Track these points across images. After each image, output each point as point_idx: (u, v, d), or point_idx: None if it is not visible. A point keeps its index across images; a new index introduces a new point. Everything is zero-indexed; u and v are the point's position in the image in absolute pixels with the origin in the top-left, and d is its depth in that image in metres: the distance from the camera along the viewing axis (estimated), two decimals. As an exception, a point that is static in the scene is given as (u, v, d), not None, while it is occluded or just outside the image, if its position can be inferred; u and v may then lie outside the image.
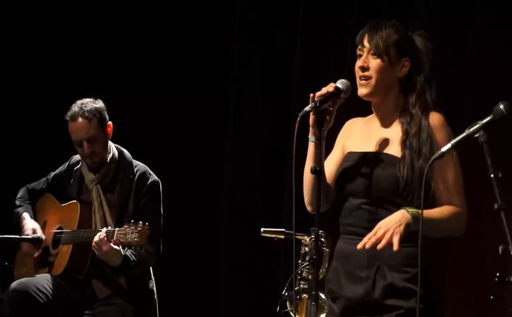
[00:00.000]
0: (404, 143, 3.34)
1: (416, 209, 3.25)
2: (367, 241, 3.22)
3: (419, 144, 3.32)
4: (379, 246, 3.19)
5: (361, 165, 3.39)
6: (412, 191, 3.29)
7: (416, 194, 3.29)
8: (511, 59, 5.12)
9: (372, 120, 3.49)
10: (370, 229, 3.30)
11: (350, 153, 3.46)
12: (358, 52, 3.43)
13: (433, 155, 3.23)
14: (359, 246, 3.23)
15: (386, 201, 3.32)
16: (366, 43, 3.39)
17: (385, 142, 3.40)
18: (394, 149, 3.37)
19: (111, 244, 4.50)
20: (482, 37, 5.22)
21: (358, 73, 3.40)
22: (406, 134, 3.35)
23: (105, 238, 4.51)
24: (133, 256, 4.62)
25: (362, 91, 3.40)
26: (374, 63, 3.38)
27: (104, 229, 4.56)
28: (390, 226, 3.20)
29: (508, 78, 5.06)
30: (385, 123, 3.44)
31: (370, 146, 3.43)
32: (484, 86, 5.14)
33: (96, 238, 4.53)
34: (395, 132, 3.40)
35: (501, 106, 3.05)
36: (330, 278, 3.45)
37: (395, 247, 3.17)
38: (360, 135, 3.49)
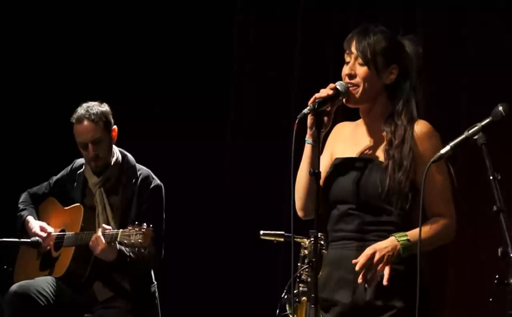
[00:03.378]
0: (387, 154, 3.33)
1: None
2: (363, 261, 3.23)
3: (401, 156, 3.31)
4: (368, 285, 3.23)
5: (348, 170, 3.38)
6: (391, 201, 3.30)
7: (395, 203, 3.29)
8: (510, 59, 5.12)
9: (360, 125, 3.47)
10: (359, 232, 3.33)
11: (337, 159, 3.45)
12: (346, 57, 3.40)
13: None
14: (357, 268, 3.24)
15: (373, 206, 3.32)
16: (353, 49, 3.36)
17: (371, 148, 3.39)
18: (380, 155, 3.36)
19: (106, 243, 4.52)
20: (482, 37, 5.22)
21: (345, 80, 3.37)
22: (389, 144, 3.34)
23: (101, 238, 4.52)
24: (130, 253, 4.63)
25: (351, 98, 3.37)
26: (361, 70, 3.35)
27: (100, 230, 4.57)
28: (384, 253, 3.23)
29: (508, 77, 5.06)
30: (372, 129, 3.42)
31: (357, 152, 3.42)
32: (484, 86, 5.14)
33: (93, 237, 4.55)
34: (381, 137, 3.39)
35: (500, 108, 3.05)
36: (321, 287, 3.38)
37: (385, 281, 3.21)
38: (348, 140, 3.48)
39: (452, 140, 3.12)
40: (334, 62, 3.47)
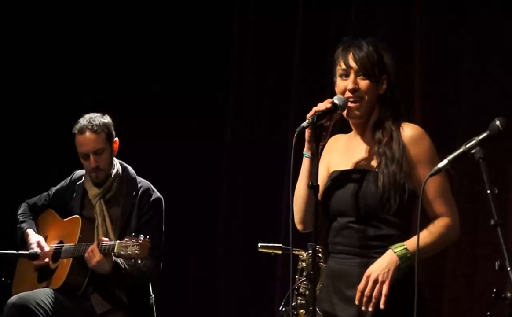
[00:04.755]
0: (378, 153, 3.36)
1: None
2: (358, 296, 3.24)
3: (392, 151, 3.33)
4: (371, 307, 3.22)
5: (345, 183, 3.39)
6: (389, 198, 3.30)
7: (392, 199, 3.30)
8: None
9: (353, 137, 3.49)
10: (359, 248, 3.33)
11: (334, 172, 3.46)
12: (342, 71, 3.40)
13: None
14: (357, 302, 3.25)
15: (373, 217, 3.33)
16: (352, 63, 3.37)
17: (366, 158, 3.41)
18: (375, 164, 3.37)
19: (103, 255, 4.53)
20: (483, 37, 5.22)
21: (346, 94, 3.38)
22: (379, 143, 3.37)
23: (97, 250, 4.53)
24: (126, 265, 4.63)
25: (355, 113, 3.39)
26: (364, 84, 3.37)
27: (95, 243, 4.58)
28: (379, 273, 3.23)
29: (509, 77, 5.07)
30: (366, 139, 3.44)
31: (353, 164, 3.43)
32: (485, 85, 5.14)
33: (88, 249, 4.57)
34: (375, 148, 3.40)
35: (497, 123, 3.05)
36: (322, 297, 3.42)
37: (382, 305, 3.20)
38: (343, 152, 3.49)
39: (450, 153, 3.11)
40: (334, 63, 3.46)
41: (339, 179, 3.42)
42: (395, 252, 3.25)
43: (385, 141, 3.35)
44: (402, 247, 3.26)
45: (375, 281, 3.22)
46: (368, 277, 3.24)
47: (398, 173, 3.29)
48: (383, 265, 3.24)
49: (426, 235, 3.29)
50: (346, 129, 3.53)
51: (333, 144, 3.53)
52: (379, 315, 3.27)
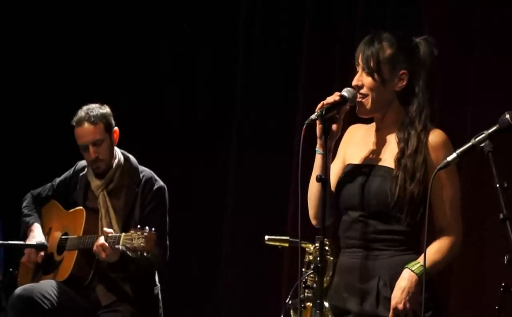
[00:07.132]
0: (398, 162, 3.30)
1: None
2: None
3: (413, 167, 3.28)
4: None
5: (358, 177, 3.36)
6: (402, 210, 3.28)
7: (405, 213, 3.28)
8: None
9: (373, 130, 3.45)
10: (369, 241, 3.33)
11: (349, 165, 3.44)
12: (356, 68, 3.40)
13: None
14: None
15: (383, 214, 3.31)
16: (360, 60, 3.36)
17: (383, 154, 3.38)
18: (391, 163, 3.34)
19: (110, 247, 4.53)
20: (489, 35, 5.21)
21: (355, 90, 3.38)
22: (402, 153, 3.31)
23: (105, 243, 4.52)
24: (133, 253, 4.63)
25: (361, 109, 3.37)
26: (367, 81, 3.34)
27: (102, 237, 4.57)
28: (404, 302, 3.22)
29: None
30: (385, 134, 3.40)
31: (368, 158, 3.40)
32: (489, 84, 5.12)
33: (97, 242, 4.55)
34: (393, 144, 3.37)
35: (507, 116, 3.05)
36: (332, 294, 3.42)
37: None
38: (360, 144, 3.46)
39: (459, 147, 3.12)
40: (341, 68, 3.46)
41: (353, 172, 3.40)
42: (413, 270, 3.24)
43: (408, 153, 3.30)
44: (419, 264, 3.24)
45: (404, 310, 3.22)
46: (395, 308, 3.23)
47: (415, 193, 3.27)
48: (404, 291, 3.22)
49: (435, 252, 3.27)
50: (362, 120, 3.51)
51: (351, 135, 3.51)
52: (387, 311, 3.27)
